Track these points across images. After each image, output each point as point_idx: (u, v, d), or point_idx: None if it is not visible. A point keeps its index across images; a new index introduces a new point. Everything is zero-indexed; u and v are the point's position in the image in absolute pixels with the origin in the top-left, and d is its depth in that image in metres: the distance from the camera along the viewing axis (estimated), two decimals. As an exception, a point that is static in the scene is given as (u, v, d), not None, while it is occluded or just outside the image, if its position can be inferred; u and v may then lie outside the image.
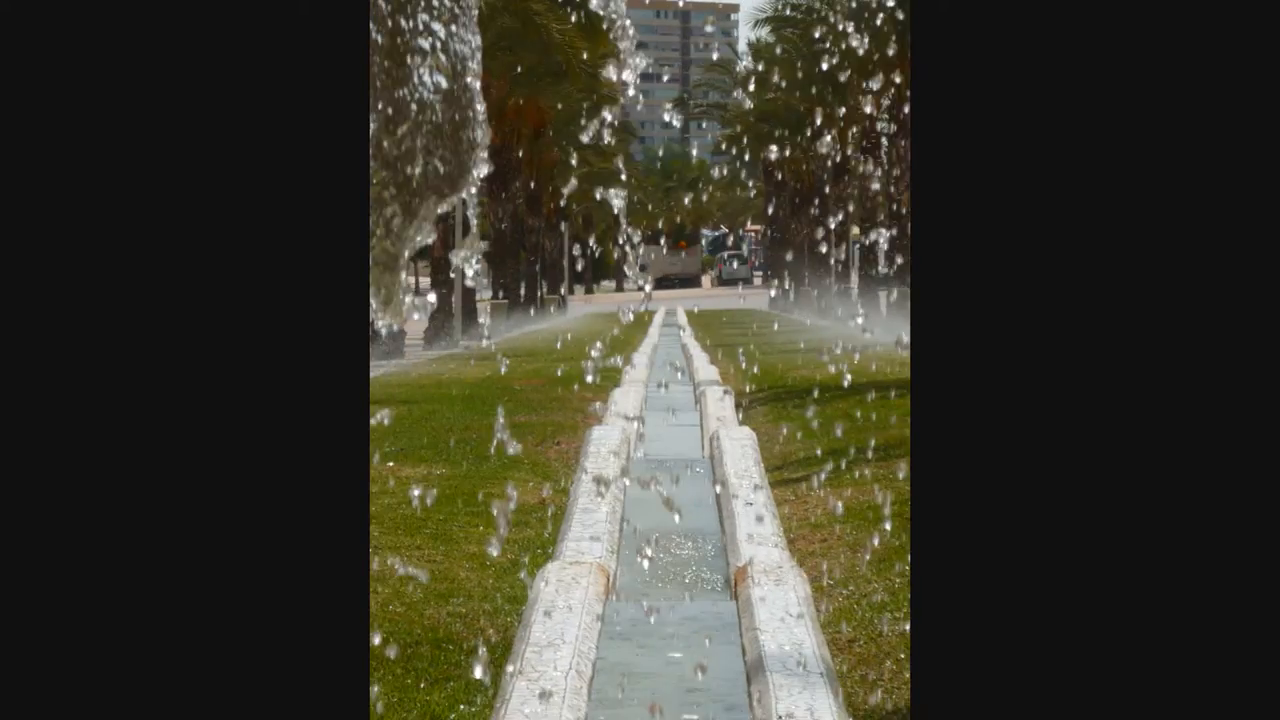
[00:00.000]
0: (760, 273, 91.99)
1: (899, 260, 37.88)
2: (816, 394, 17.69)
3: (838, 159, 45.06)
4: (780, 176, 57.69)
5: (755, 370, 22.13)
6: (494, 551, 9.05)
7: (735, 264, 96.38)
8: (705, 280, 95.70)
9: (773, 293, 58.06)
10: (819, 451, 12.91)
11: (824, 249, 47.42)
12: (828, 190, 47.17)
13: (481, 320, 38.24)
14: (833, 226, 46.77)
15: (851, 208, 44.83)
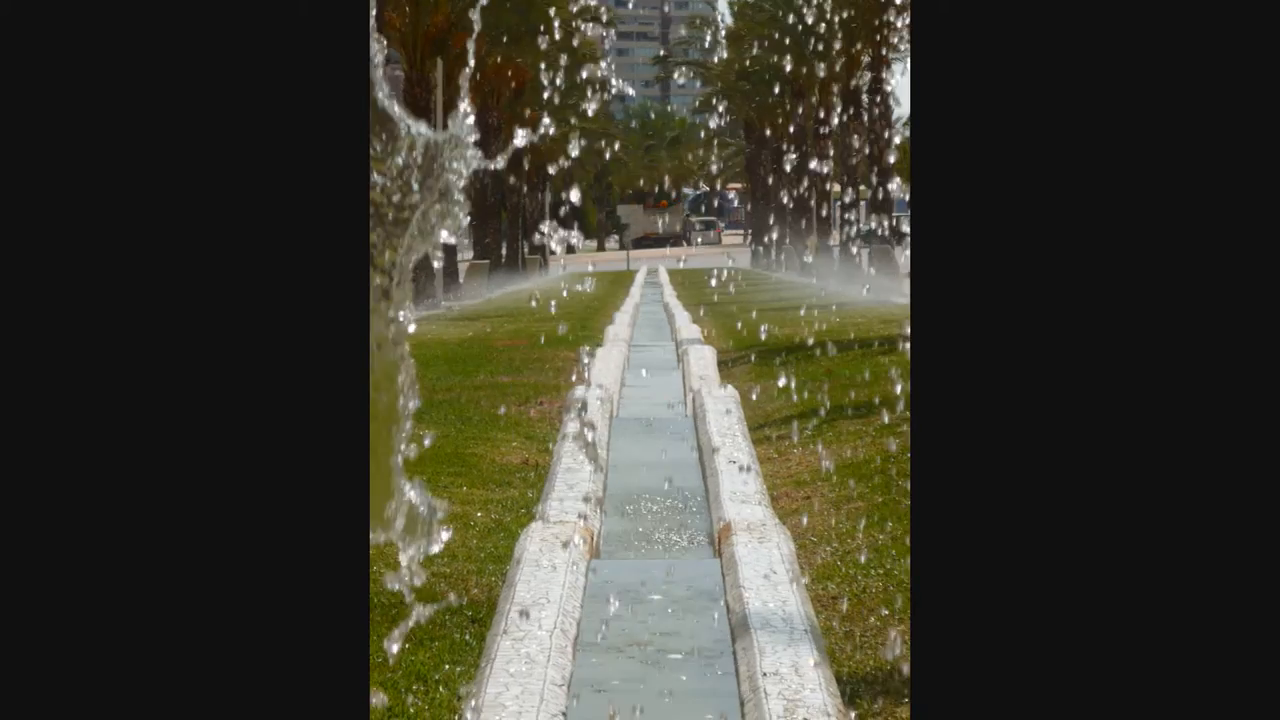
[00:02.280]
0: (742, 231, 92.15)
1: (882, 220, 37.88)
2: (799, 351, 17.70)
3: (819, 117, 45.00)
4: (761, 135, 57.60)
5: (738, 328, 22.14)
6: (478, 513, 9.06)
7: (704, 228, 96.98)
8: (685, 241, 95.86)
9: (731, 258, 58.09)
10: (801, 409, 12.92)
11: (806, 207, 47.42)
12: (808, 149, 47.13)
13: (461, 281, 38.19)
14: (813, 185, 46.74)
15: (833, 165, 44.79)
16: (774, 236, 53.90)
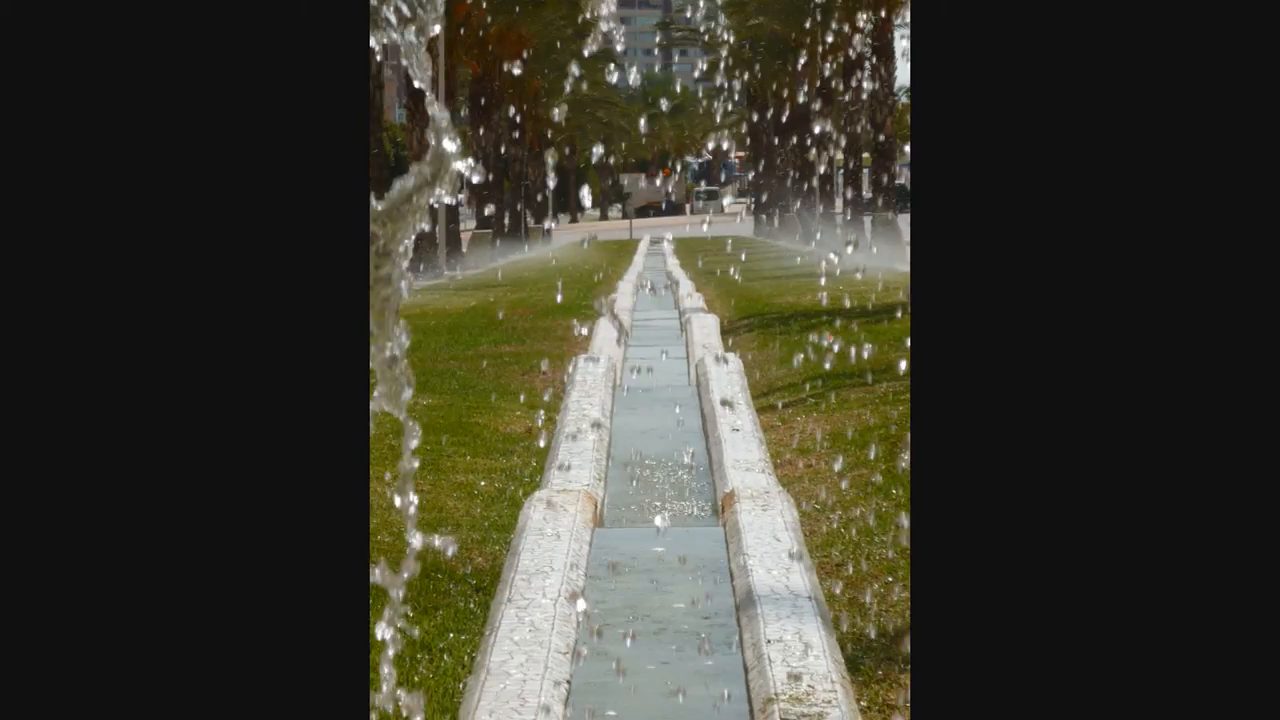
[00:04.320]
0: (745, 200, 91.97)
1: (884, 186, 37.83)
2: (802, 319, 17.69)
3: (821, 85, 44.88)
4: (764, 103, 57.46)
5: (741, 297, 22.12)
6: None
7: (706, 197, 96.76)
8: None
9: (741, 219, 58.00)
10: (805, 377, 12.92)
11: (809, 174, 47.34)
12: (812, 116, 47.01)
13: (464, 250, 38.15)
14: (816, 153, 46.64)
15: (835, 133, 44.70)
16: (777, 205, 53.82)
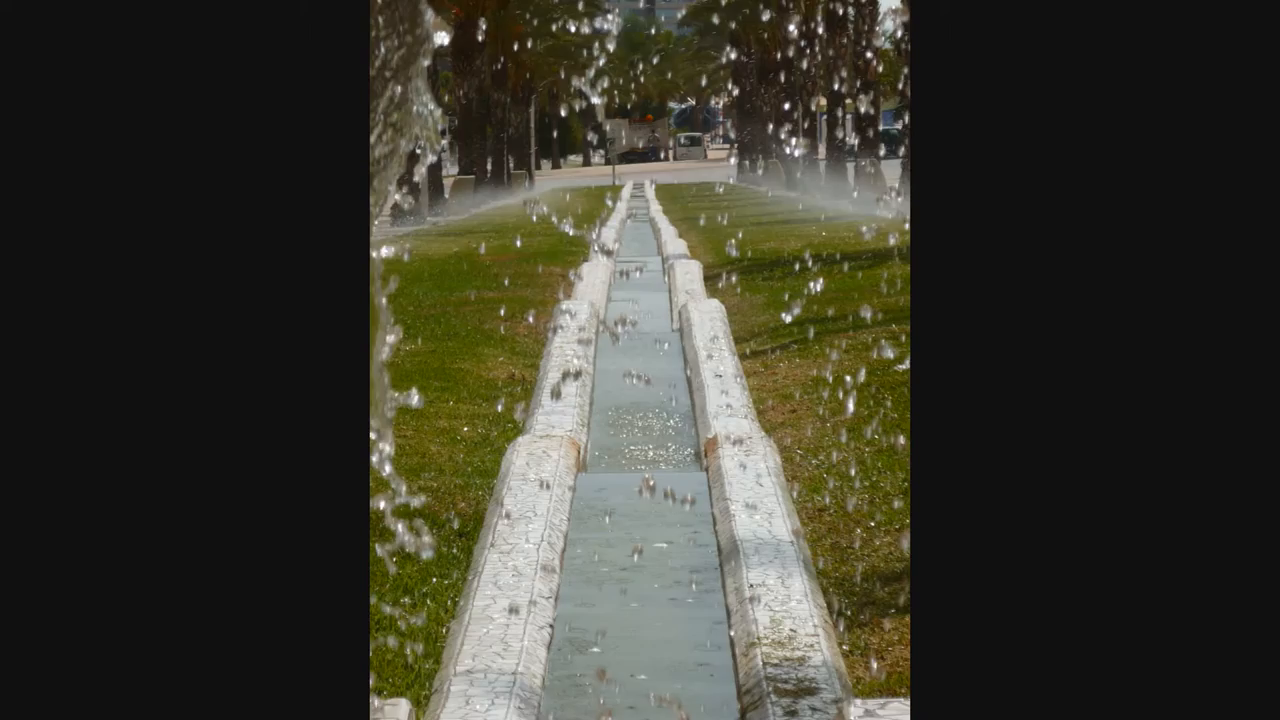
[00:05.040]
0: (729, 145, 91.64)
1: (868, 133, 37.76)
2: (785, 265, 17.69)
3: (805, 29, 44.72)
4: (747, 48, 57.29)
5: (724, 242, 22.10)
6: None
7: (688, 144, 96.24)
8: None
9: (732, 160, 57.91)
10: (788, 322, 12.93)
11: (791, 121, 47.22)
12: (794, 62, 46.85)
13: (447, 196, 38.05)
14: (801, 98, 46.52)
15: (818, 79, 44.57)
16: (759, 152, 53.71)
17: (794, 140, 46.37)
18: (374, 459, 2.33)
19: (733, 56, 61.88)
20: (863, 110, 37.67)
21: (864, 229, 19.85)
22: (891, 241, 16.94)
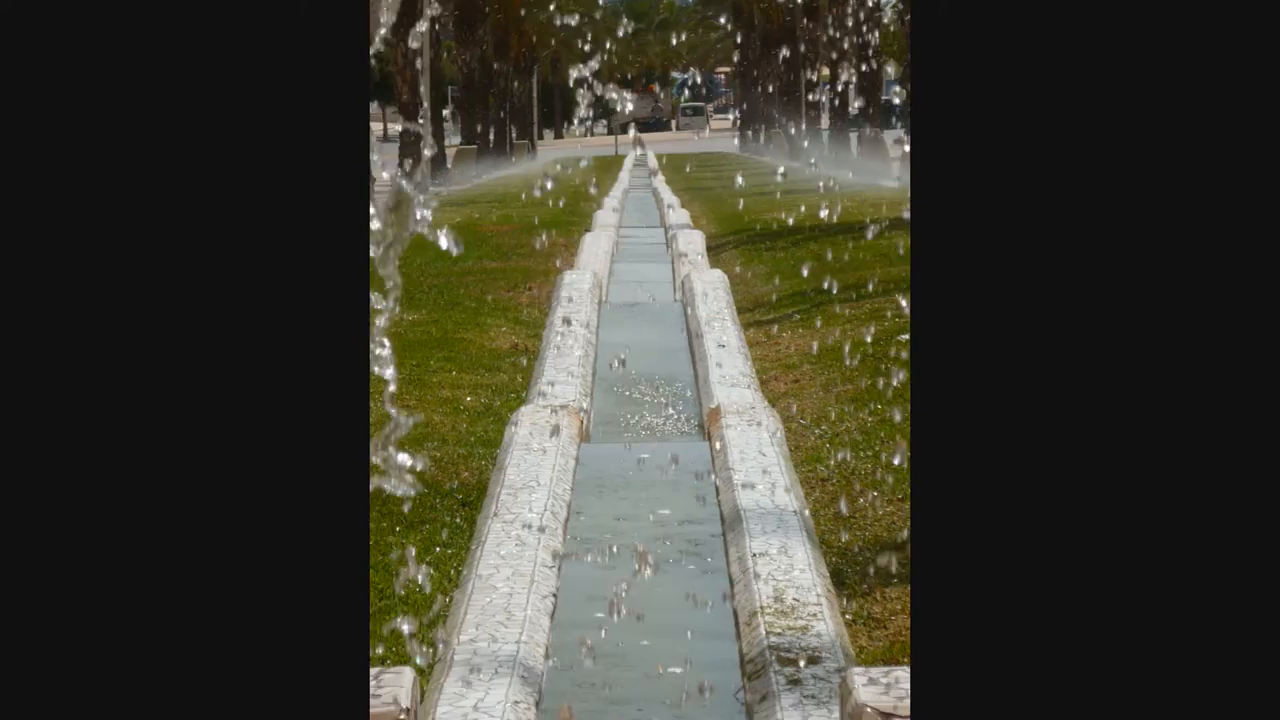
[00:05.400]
0: (730, 115, 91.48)
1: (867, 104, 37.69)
2: (788, 235, 17.67)
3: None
4: (750, 17, 57.12)
5: (727, 213, 22.08)
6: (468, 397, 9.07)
7: (691, 114, 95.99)
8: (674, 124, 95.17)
9: (737, 138, 57.85)
10: (791, 292, 12.92)
11: (794, 91, 47.11)
12: (797, 31, 46.71)
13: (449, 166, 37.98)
14: (801, 66, 46.40)
15: (821, 49, 44.46)
16: (762, 122, 53.59)
17: (796, 111, 46.27)
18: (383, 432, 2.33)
19: (735, 26, 61.73)
20: (865, 81, 37.58)
21: (866, 198, 19.82)
22: (894, 211, 16.92)
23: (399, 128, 35.28)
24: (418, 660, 4.84)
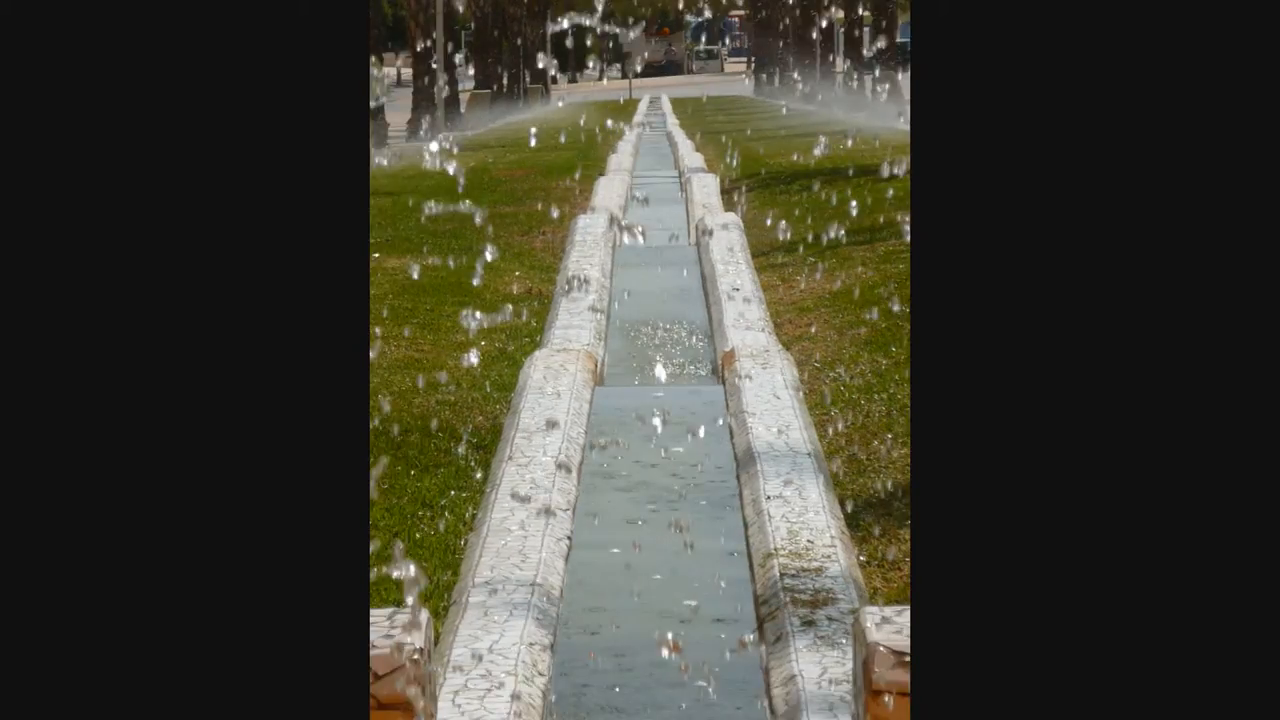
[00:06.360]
0: (745, 58, 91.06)
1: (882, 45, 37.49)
2: (802, 178, 17.62)
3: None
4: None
5: (741, 156, 22.01)
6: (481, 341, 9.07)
7: (705, 57, 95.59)
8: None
9: (747, 80, 57.63)
10: (805, 236, 12.89)
11: (810, 33, 46.87)
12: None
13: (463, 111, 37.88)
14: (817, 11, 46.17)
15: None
16: (776, 64, 53.36)
17: (811, 54, 46.05)
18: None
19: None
20: (880, 22, 37.39)
21: (881, 141, 19.75)
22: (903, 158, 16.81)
23: (411, 72, 35.12)
24: (432, 603, 4.86)
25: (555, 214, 15.11)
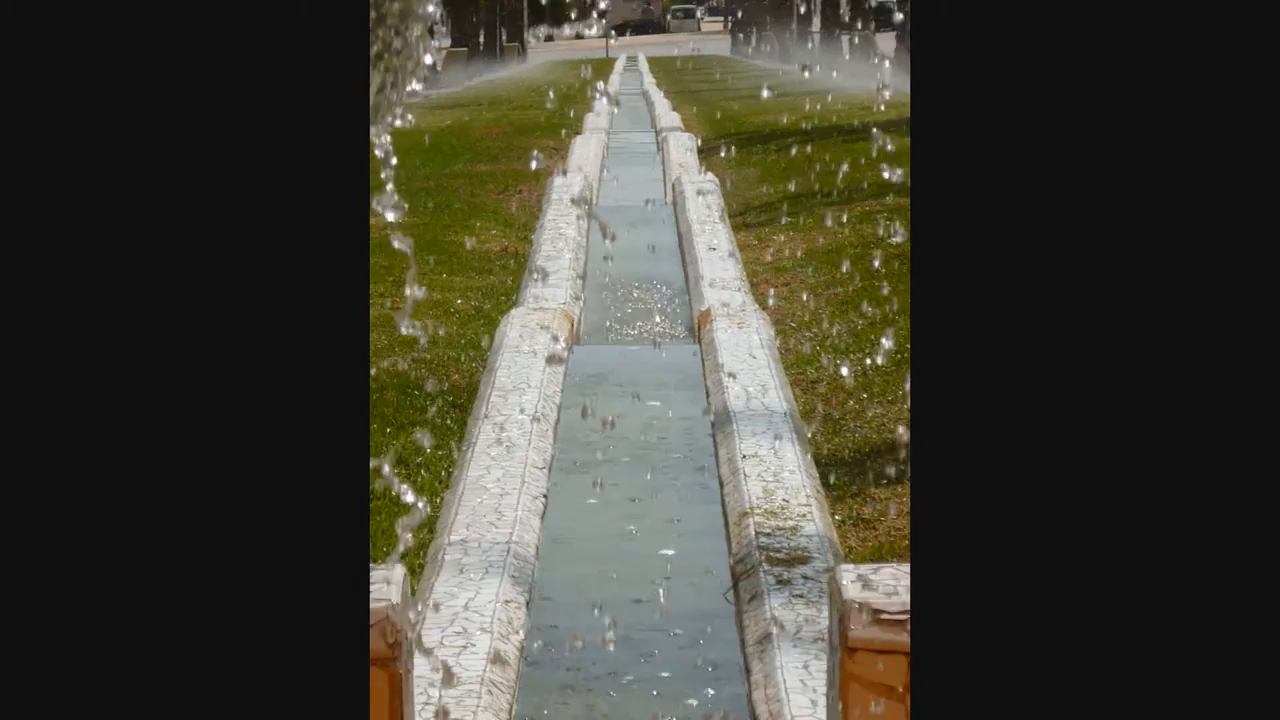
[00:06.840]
0: (723, 18, 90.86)
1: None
2: (779, 138, 17.60)
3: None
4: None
5: (718, 116, 21.98)
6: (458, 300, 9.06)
7: (683, 16, 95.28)
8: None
9: (729, 41, 57.52)
10: (782, 196, 12.88)
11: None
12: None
13: (438, 69, 37.70)
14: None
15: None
16: (753, 24, 53.24)
17: (787, 12, 45.96)
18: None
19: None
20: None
21: (857, 101, 19.73)
22: (885, 115, 16.84)
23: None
24: (408, 560, 4.86)
25: (532, 172, 15.08)
